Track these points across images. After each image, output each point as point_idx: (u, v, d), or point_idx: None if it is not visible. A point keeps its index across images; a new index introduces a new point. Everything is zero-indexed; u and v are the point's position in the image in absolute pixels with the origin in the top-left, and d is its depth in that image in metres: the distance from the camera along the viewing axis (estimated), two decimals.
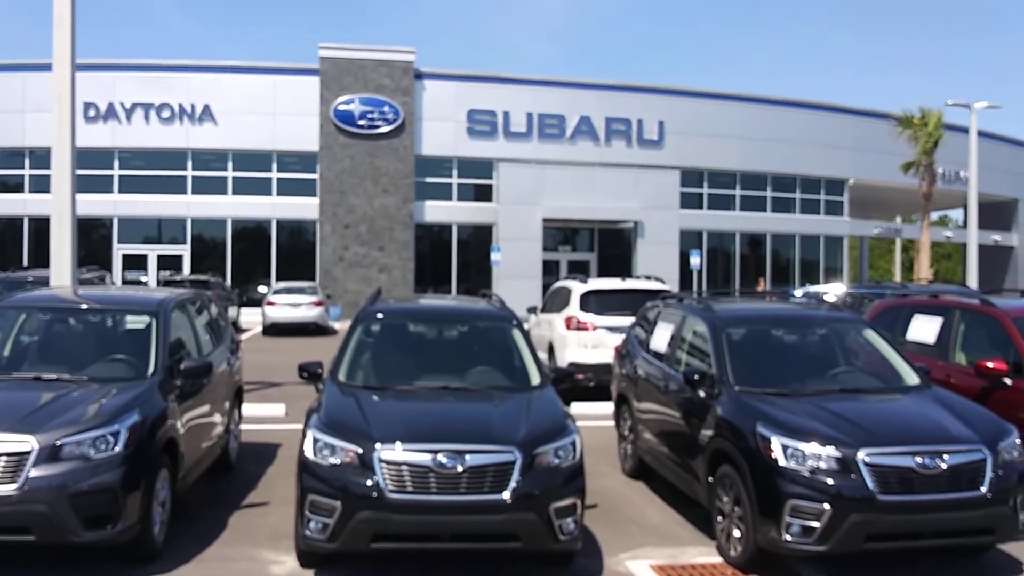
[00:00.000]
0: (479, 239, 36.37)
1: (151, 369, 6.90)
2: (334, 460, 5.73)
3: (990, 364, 8.04)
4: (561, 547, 5.78)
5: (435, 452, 5.61)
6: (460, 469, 5.57)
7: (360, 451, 5.68)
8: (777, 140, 39.20)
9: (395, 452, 5.63)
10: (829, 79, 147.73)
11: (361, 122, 34.41)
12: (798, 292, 23.53)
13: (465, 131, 35.93)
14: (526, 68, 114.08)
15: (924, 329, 9.30)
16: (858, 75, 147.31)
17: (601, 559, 6.51)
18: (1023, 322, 8.36)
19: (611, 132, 37.51)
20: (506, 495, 5.59)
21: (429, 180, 35.92)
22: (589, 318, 13.77)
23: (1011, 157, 48.18)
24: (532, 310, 16.87)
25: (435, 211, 35.97)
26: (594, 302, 14.05)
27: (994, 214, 47.36)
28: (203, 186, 34.28)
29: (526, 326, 17.02)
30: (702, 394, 7.03)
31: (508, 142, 36.37)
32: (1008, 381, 7.93)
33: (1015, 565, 6.40)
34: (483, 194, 36.53)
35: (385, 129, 34.58)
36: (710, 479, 6.70)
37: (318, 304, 27.74)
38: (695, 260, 35.05)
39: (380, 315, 7.73)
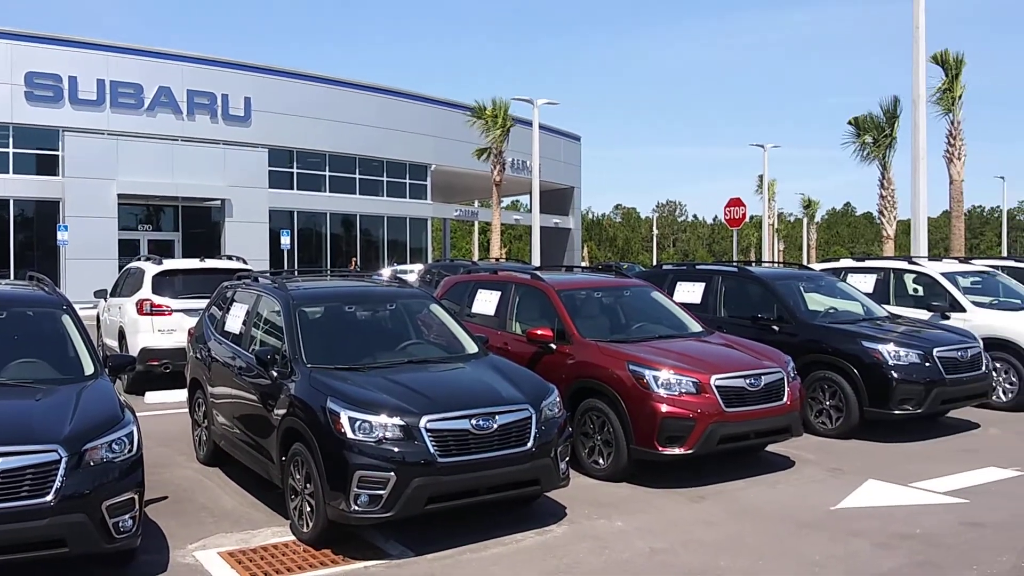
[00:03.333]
0: (43, 216, 32.57)
1: None
2: None
3: (539, 332, 8.94)
4: (117, 546, 5.36)
5: None
6: None
7: None
8: (365, 124, 40.19)
9: None
10: (418, 68, 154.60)
11: None
12: (385, 272, 24.37)
13: (23, 95, 31.92)
14: (101, 35, 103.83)
15: (486, 302, 10.11)
16: (445, 66, 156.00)
17: (167, 552, 6.17)
18: (566, 294, 9.41)
19: (194, 106, 35.69)
20: (49, 498, 5.05)
21: None
22: (165, 301, 12.98)
23: (568, 150, 54.37)
24: (101, 294, 15.49)
25: None
26: (170, 284, 13.28)
27: (555, 200, 53.13)
28: None
29: (96, 311, 15.72)
30: (275, 374, 6.96)
31: (76, 110, 32.98)
32: (553, 346, 8.89)
33: (560, 509, 7.19)
34: (47, 166, 32.75)
35: None
36: (283, 459, 6.66)
37: None
38: (285, 240, 34.79)
39: None
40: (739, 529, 6.76)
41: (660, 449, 7.81)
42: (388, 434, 6.05)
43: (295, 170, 39.17)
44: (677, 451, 7.81)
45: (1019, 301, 12.57)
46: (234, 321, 8.37)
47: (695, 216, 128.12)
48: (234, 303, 8.62)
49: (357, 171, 41.26)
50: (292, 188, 38.77)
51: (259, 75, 37.85)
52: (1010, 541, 6.36)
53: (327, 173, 40.24)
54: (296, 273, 10.69)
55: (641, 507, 7.34)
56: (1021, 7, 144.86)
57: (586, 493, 7.66)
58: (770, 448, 9.07)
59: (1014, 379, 11.37)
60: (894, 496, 7.62)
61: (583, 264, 57.12)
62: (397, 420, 6.09)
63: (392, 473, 5.93)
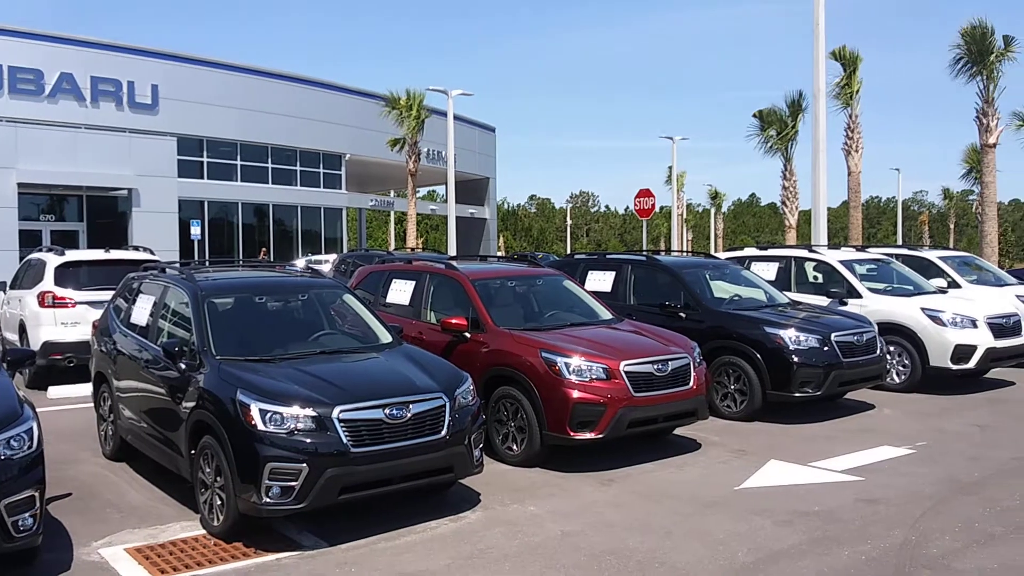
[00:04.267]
0: None
1: None
2: None
3: (453, 321, 9.01)
4: (17, 546, 5.22)
5: None
6: None
7: None
8: (277, 113, 39.49)
9: None
10: (330, 58, 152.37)
11: None
12: (299, 262, 24.07)
13: None
14: None
15: (400, 292, 10.11)
16: (356, 56, 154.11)
17: (71, 550, 6.04)
18: (481, 283, 9.48)
19: (99, 93, 34.44)
20: None
21: None
22: (67, 293, 12.60)
23: (483, 140, 54.41)
24: (0, 286, 14.91)
25: None
26: (73, 275, 12.91)
27: (471, 190, 53.14)
28: None
29: None
30: (183, 366, 6.86)
31: None
32: (468, 335, 8.96)
33: (474, 496, 7.28)
34: None
35: None
36: (192, 452, 6.58)
37: None
38: (196, 230, 33.98)
39: None
40: (647, 510, 6.96)
41: (572, 434, 7.96)
42: (300, 425, 6.03)
43: (205, 159, 38.21)
44: (588, 436, 7.99)
45: (911, 287, 13.19)
46: (140, 313, 8.19)
47: (607, 207, 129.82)
48: (140, 295, 8.44)
49: (270, 160, 40.49)
50: (202, 177, 37.82)
51: (167, 62, 36.74)
52: (901, 516, 6.71)
53: (239, 162, 39.39)
54: (208, 263, 10.52)
55: (553, 491, 7.48)
56: (913, 10, 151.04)
57: (500, 479, 7.77)
58: (678, 431, 9.34)
59: (906, 362, 11.94)
60: (795, 475, 7.95)
61: (499, 254, 57.33)
62: (309, 411, 6.08)
63: (304, 464, 5.92)
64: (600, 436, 7.99)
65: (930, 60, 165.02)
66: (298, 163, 41.73)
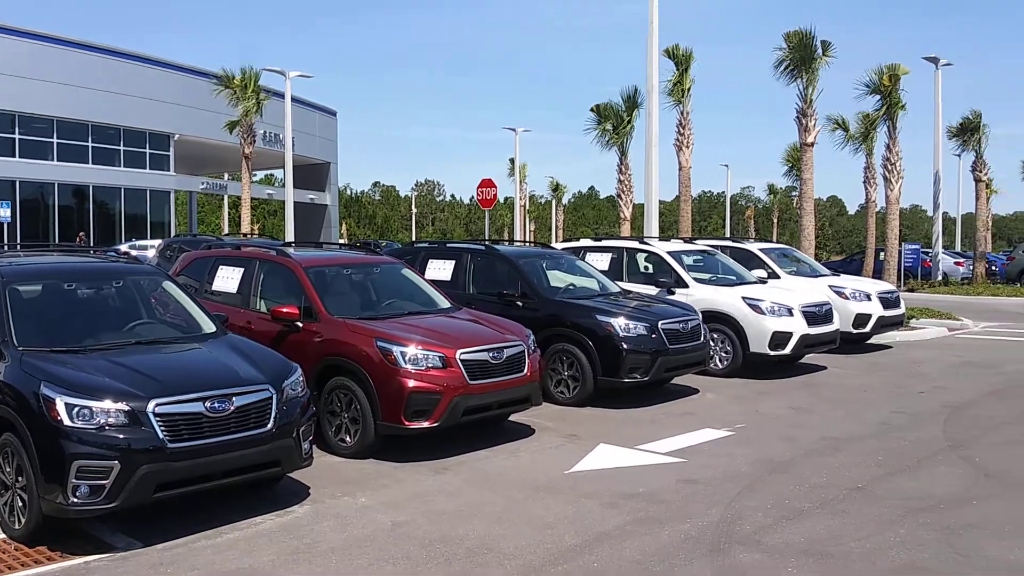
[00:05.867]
0: None
1: None
2: None
3: (284, 309, 8.71)
4: None
5: None
6: None
7: None
8: (99, 89, 37.21)
9: None
10: (163, 39, 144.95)
11: None
12: (123, 247, 22.75)
13: None
14: None
15: (228, 279, 9.70)
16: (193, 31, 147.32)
17: None
18: (314, 271, 9.22)
19: None
20: None
21: None
22: None
23: (324, 124, 53.25)
24: None
25: None
26: None
27: (311, 175, 51.92)
28: None
29: None
30: None
31: None
32: (300, 324, 8.69)
33: (303, 490, 7.09)
34: None
35: None
36: None
37: None
38: (4, 212, 31.54)
39: None
40: (479, 497, 6.98)
41: (407, 424, 7.89)
42: (111, 420, 5.68)
43: (17, 136, 35.50)
44: (424, 425, 7.94)
45: (734, 278, 13.89)
46: None
47: (453, 196, 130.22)
48: None
49: (90, 139, 38.06)
50: (13, 156, 35.13)
51: None
52: (718, 495, 7.02)
53: (55, 140, 36.80)
54: (19, 248, 9.76)
55: (386, 482, 7.39)
56: (746, 11, 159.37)
57: (331, 472, 7.61)
58: (513, 417, 9.44)
59: (729, 348, 12.57)
60: (622, 458, 8.19)
61: (341, 241, 56.31)
62: (121, 405, 5.73)
63: (116, 461, 5.59)
64: (435, 425, 7.95)
65: (759, 62, 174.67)
66: (122, 142, 39.42)
